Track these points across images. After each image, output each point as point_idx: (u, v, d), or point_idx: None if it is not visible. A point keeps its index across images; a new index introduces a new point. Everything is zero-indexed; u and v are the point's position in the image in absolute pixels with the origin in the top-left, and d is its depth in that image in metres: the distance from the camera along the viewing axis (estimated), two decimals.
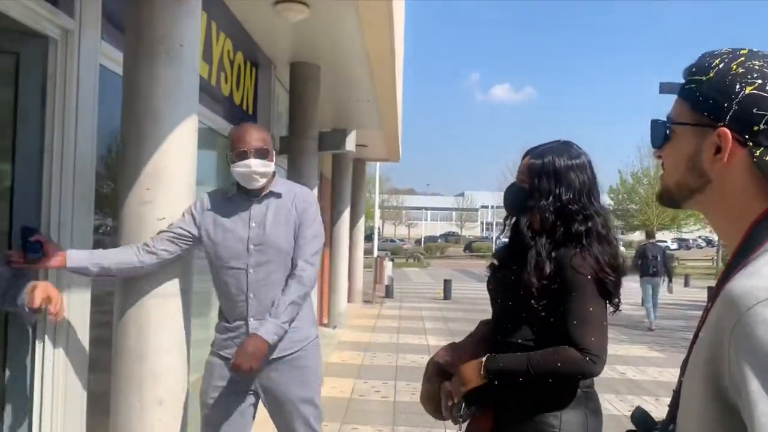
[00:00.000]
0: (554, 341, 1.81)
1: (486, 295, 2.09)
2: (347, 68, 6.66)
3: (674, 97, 1.00)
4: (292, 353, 2.66)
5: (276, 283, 2.63)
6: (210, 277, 2.77)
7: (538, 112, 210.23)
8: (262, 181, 2.66)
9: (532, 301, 1.85)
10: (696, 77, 0.95)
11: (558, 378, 1.80)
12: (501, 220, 2.39)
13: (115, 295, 2.63)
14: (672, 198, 1.01)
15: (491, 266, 2.12)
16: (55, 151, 2.61)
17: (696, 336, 0.89)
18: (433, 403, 2.03)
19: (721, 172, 0.92)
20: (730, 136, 0.90)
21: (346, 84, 7.42)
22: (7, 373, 2.57)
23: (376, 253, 22.10)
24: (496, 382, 1.86)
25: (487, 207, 67.35)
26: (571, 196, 1.90)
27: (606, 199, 43.86)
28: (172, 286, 2.60)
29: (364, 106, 8.60)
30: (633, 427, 1.05)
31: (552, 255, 1.87)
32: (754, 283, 0.79)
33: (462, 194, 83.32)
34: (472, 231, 76.26)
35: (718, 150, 0.91)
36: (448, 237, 71.20)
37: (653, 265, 11.83)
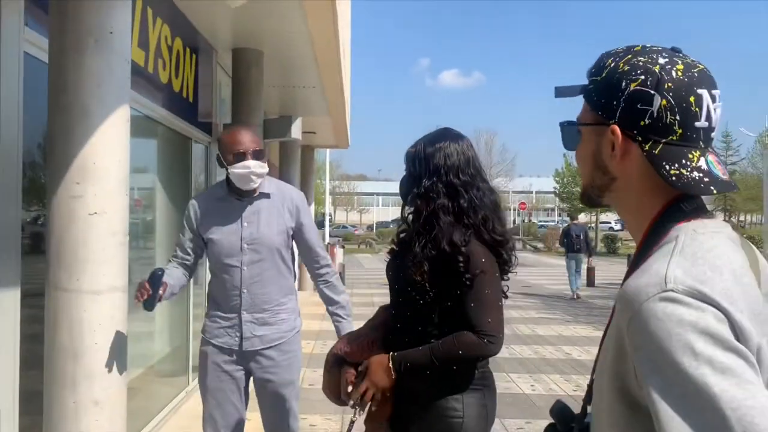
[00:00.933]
0: (453, 324, 1.86)
1: None
2: (291, 54, 6.56)
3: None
4: (280, 342, 2.85)
5: (268, 279, 2.80)
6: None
7: (487, 96, 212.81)
8: (259, 181, 2.76)
9: (414, 293, 1.90)
10: (594, 78, 0.98)
11: (461, 363, 1.87)
12: None
13: (46, 290, 2.53)
14: (589, 197, 1.04)
15: (391, 251, 2.15)
16: None
17: (605, 335, 0.91)
18: (335, 391, 2.08)
19: (621, 168, 0.94)
20: (619, 133, 0.92)
21: (291, 70, 7.32)
22: None
23: (327, 239, 21.99)
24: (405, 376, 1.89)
25: None
26: (435, 178, 1.96)
27: (552, 183, 44.87)
28: (107, 282, 2.52)
29: (310, 93, 8.50)
30: (553, 420, 1.07)
31: (432, 239, 1.91)
32: (645, 281, 0.81)
33: None
34: None
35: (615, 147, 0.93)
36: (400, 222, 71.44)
37: (577, 243, 13.99)
